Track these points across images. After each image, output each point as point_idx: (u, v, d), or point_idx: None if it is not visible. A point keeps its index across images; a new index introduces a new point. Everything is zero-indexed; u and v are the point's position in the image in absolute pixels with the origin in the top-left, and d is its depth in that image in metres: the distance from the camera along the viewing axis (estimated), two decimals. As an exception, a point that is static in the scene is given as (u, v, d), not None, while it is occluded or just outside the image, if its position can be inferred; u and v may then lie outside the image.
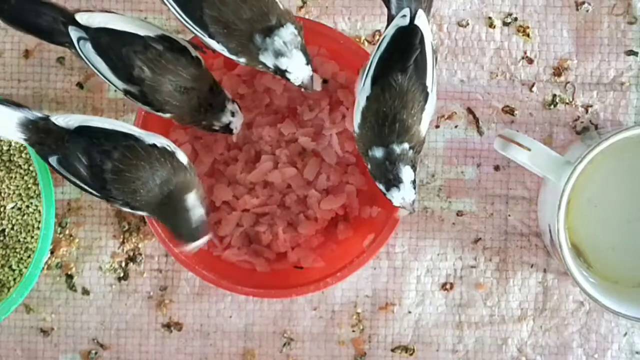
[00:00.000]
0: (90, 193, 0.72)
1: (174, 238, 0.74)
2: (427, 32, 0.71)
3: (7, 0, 0.72)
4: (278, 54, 0.70)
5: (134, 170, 0.71)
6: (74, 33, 0.72)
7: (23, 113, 0.72)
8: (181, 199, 0.72)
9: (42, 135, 0.72)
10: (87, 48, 0.72)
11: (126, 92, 0.73)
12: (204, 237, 0.73)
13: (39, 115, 0.72)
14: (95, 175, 0.71)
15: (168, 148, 0.72)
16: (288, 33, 0.70)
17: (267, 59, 0.71)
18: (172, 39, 0.73)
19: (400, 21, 0.71)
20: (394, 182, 0.71)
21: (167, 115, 0.74)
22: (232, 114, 0.75)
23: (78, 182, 0.72)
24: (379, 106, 0.70)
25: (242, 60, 0.72)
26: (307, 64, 0.71)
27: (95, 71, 0.72)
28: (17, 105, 0.72)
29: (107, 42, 0.71)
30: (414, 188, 0.72)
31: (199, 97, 0.73)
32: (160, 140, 0.72)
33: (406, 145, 0.71)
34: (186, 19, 0.71)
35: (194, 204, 0.72)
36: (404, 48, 0.70)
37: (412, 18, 0.70)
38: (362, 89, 0.71)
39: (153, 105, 0.73)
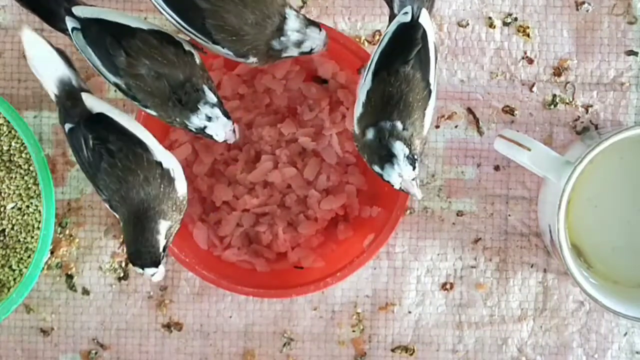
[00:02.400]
0: (85, 172, 0.73)
1: (127, 253, 0.72)
2: (430, 30, 0.71)
3: None
4: (299, 43, 0.72)
5: (127, 173, 0.71)
6: (69, 23, 0.72)
7: (70, 74, 0.73)
8: (153, 222, 0.71)
9: (69, 102, 0.73)
10: (80, 38, 0.72)
11: (116, 86, 0.72)
12: (155, 269, 0.71)
13: (81, 85, 0.74)
14: (94, 160, 0.72)
15: (171, 173, 0.72)
16: (293, 20, 0.72)
17: (292, 52, 0.72)
18: (167, 33, 0.72)
19: (402, 18, 0.71)
20: (386, 157, 0.69)
21: (151, 111, 0.72)
22: (208, 119, 0.71)
23: (78, 157, 0.73)
24: (382, 92, 0.70)
25: (251, 60, 0.72)
26: (320, 31, 0.73)
27: (91, 64, 0.73)
28: (71, 66, 0.74)
29: (97, 31, 0.71)
30: (412, 165, 0.69)
31: (170, 85, 0.71)
32: (170, 162, 0.72)
33: (398, 124, 0.69)
34: (187, 27, 0.71)
35: (162, 233, 0.71)
36: (406, 43, 0.70)
37: (415, 16, 0.70)
38: (363, 85, 0.71)
39: (137, 100, 0.72)
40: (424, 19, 0.70)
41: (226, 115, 0.72)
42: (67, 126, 0.72)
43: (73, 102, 0.73)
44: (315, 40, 0.73)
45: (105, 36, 0.71)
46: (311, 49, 0.73)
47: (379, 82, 0.70)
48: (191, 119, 0.71)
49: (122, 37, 0.71)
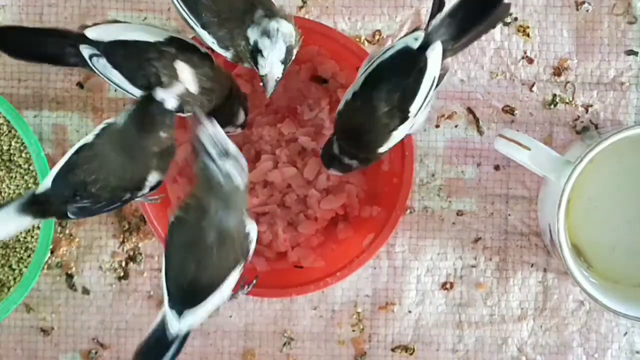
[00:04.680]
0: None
1: None
2: (434, 65, 0.69)
3: (9, 37, 0.73)
4: (265, 32, 0.70)
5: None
6: (85, 51, 0.72)
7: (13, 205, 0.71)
8: None
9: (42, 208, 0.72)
10: (101, 63, 0.72)
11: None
12: None
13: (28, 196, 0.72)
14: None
15: None
16: (286, 26, 0.70)
17: (253, 33, 0.70)
18: (180, 39, 0.73)
19: (411, 42, 0.70)
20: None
21: (187, 114, 0.74)
22: (236, 127, 0.76)
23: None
24: (352, 113, 0.71)
25: (229, 54, 0.72)
26: (284, 63, 0.70)
27: (112, 83, 0.73)
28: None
29: (122, 54, 0.72)
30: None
31: (216, 99, 0.73)
32: None
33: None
34: (182, 5, 0.72)
35: None
36: (402, 69, 0.69)
37: (424, 45, 0.69)
38: (354, 83, 0.71)
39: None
40: (434, 53, 0.69)
41: (246, 113, 0.76)
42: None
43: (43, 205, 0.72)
44: (274, 57, 0.71)
45: (133, 58, 0.71)
46: (260, 52, 0.71)
47: (350, 103, 0.71)
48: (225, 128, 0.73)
49: (151, 58, 0.71)
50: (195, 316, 0.70)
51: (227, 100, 0.74)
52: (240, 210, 0.70)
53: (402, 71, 0.69)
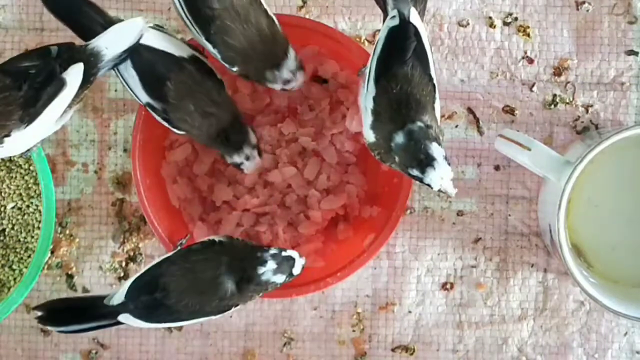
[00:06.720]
0: None
1: None
2: (421, 27, 0.71)
3: None
4: (287, 81, 0.74)
5: None
6: None
7: None
8: None
9: None
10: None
11: (148, 105, 0.74)
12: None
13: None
14: None
15: None
16: (292, 60, 0.74)
17: (276, 86, 0.75)
18: (202, 60, 0.74)
19: (391, 22, 0.71)
20: (426, 161, 0.67)
21: (182, 132, 0.75)
22: (247, 158, 0.76)
23: None
24: (388, 96, 0.70)
25: (235, 69, 0.73)
26: (303, 75, 0.75)
27: (123, 82, 0.73)
28: None
29: (147, 59, 0.72)
30: (449, 164, 0.68)
31: (217, 124, 0.74)
32: None
33: (424, 123, 0.69)
34: (189, 17, 0.72)
35: None
36: (401, 44, 0.70)
37: (405, 16, 0.70)
38: (367, 93, 0.71)
39: (171, 122, 0.74)
40: (414, 17, 0.70)
41: (260, 152, 0.77)
42: None
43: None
44: (298, 83, 0.75)
45: (155, 65, 0.72)
46: (290, 89, 0.75)
47: (382, 91, 0.70)
48: (232, 156, 0.76)
49: (170, 69, 0.72)
50: (136, 323, 0.73)
51: (233, 122, 0.75)
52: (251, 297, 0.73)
53: (403, 45, 0.70)
